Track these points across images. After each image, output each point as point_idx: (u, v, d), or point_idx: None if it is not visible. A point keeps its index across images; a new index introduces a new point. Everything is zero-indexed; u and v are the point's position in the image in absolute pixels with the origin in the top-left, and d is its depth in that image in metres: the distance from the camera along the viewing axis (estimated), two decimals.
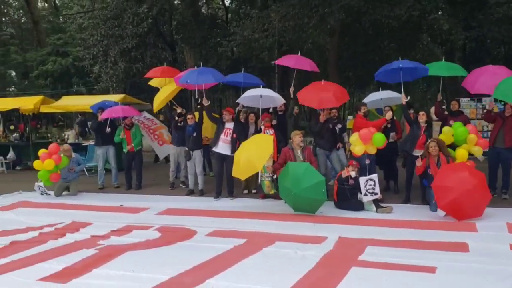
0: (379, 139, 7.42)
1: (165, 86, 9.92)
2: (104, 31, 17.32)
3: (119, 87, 18.35)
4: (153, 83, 10.64)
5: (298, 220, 6.82)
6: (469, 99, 13.24)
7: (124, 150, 9.85)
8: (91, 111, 11.62)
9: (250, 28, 15.12)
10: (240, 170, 7.40)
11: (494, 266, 4.59)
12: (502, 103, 8.42)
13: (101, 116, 9.88)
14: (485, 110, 9.46)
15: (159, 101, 9.64)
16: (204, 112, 8.87)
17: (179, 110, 9.59)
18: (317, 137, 8.64)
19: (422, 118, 7.72)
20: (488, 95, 8.83)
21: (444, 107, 8.87)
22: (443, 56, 10.64)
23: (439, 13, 14.64)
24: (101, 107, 10.36)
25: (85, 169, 11.78)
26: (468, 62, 17.05)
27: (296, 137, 7.67)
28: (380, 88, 9.86)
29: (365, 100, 9.65)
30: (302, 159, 7.55)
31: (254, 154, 7.29)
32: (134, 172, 10.02)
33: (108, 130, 9.90)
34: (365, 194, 7.23)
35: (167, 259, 5.14)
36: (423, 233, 5.89)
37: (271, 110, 9.25)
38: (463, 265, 4.66)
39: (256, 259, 5.09)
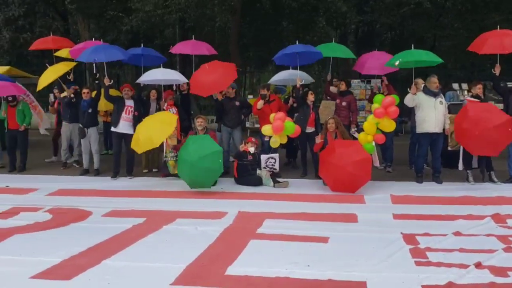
0: (290, 127, 7.58)
1: (56, 65, 9.12)
2: None
3: (4, 58, 16.74)
4: (61, 53, 9.71)
5: (198, 197, 6.83)
6: (359, 80, 14.10)
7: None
8: None
9: (152, 3, 14.55)
10: (139, 144, 7.33)
11: (380, 234, 4.97)
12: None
13: None
14: (373, 91, 10.12)
15: (44, 80, 8.86)
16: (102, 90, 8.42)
17: (64, 94, 8.91)
18: (221, 115, 8.63)
19: (310, 97, 8.07)
20: (376, 77, 9.49)
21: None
22: (338, 39, 11.19)
23: None
24: None
25: None
26: (360, 45, 18.14)
27: (196, 120, 7.94)
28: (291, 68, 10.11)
29: (275, 78, 9.87)
30: None
31: (155, 130, 7.26)
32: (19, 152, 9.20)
33: None
34: (264, 167, 7.55)
35: (58, 242, 4.88)
36: (317, 206, 6.21)
37: (174, 88, 9.10)
38: (353, 235, 5.00)
39: (156, 237, 5.01)
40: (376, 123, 7.49)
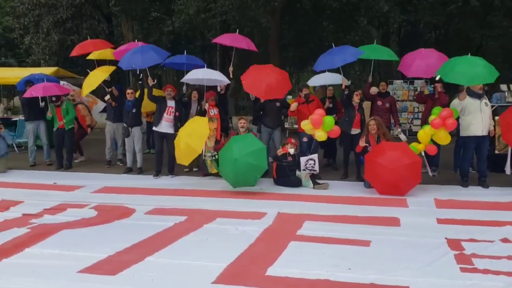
0: (329, 122, 7.46)
1: (97, 70, 9.36)
2: None
3: (52, 59, 17.42)
4: (92, 56, 10.04)
5: (238, 197, 6.88)
6: (402, 81, 13.82)
7: (54, 127, 9.42)
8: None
9: (194, 6, 14.73)
10: (183, 157, 7.57)
11: (423, 239, 4.85)
12: (432, 85, 8.84)
13: (24, 95, 9.33)
14: (417, 92, 9.89)
15: (88, 87, 9.11)
16: (145, 90, 8.62)
17: (107, 98, 9.21)
18: (262, 115, 8.65)
19: (355, 99, 7.95)
20: (421, 78, 9.18)
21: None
22: (379, 38, 10.97)
23: None
24: (30, 80, 9.73)
25: (14, 145, 11.19)
26: (403, 45, 17.74)
27: (239, 121, 8.07)
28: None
29: (314, 79, 9.82)
30: None
31: (192, 138, 7.41)
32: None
33: (42, 104, 9.35)
34: (304, 170, 7.48)
35: (104, 238, 5.04)
36: (358, 209, 6.13)
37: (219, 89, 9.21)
38: (395, 238, 4.90)
39: (197, 235, 5.08)
40: (431, 134, 7.28)
